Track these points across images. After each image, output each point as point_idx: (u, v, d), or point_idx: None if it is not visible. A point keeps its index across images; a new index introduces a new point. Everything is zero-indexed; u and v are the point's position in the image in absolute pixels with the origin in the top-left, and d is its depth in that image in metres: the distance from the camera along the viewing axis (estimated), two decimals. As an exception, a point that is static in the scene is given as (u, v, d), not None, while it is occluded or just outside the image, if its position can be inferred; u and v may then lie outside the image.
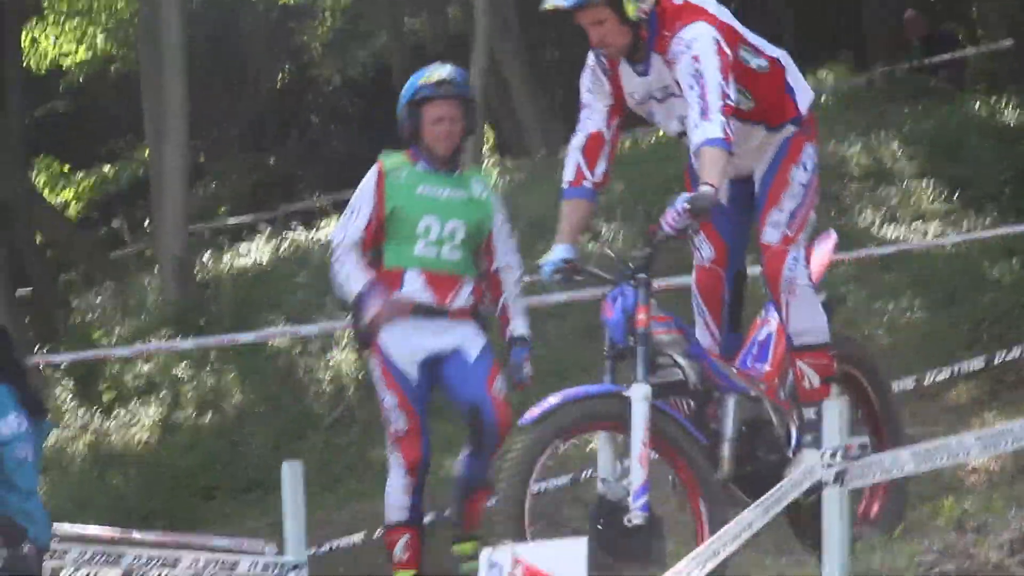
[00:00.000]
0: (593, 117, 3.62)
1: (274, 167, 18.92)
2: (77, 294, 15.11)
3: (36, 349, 11.10)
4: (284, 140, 19.07)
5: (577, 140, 3.63)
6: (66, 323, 13.56)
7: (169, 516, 8.17)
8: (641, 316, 3.23)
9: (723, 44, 3.30)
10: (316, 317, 9.84)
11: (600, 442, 3.40)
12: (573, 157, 3.60)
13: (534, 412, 3.18)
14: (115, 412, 10.43)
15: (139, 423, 10.19)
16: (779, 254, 3.47)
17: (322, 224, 13.28)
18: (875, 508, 3.82)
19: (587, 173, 3.58)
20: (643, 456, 3.13)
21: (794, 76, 3.64)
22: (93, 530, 4.77)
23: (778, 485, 3.09)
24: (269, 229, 14.16)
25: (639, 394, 3.14)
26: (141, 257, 16.31)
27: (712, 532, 3.10)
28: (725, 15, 3.49)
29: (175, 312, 11.35)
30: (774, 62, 3.58)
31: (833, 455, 2.99)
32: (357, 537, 5.95)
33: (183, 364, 10.55)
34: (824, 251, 3.87)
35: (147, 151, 14.26)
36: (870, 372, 3.97)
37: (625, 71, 3.53)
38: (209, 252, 13.58)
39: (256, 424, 9.52)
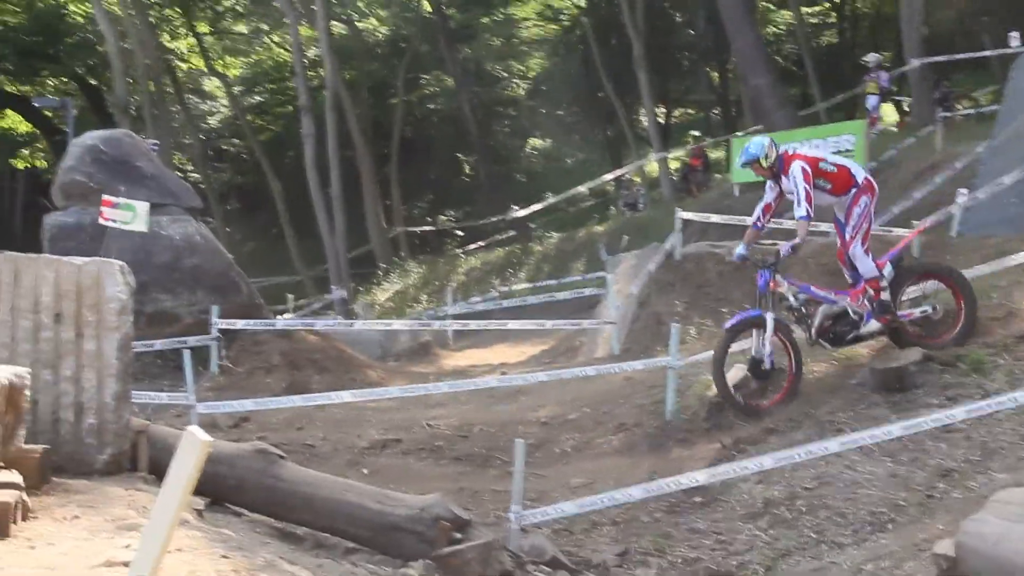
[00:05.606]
0: (766, 197, 8.16)
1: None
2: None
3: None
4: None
5: (760, 205, 8.16)
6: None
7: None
8: (771, 284, 7.83)
9: (808, 169, 7.76)
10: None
11: (753, 335, 7.78)
12: (756, 214, 8.20)
13: (729, 322, 7.81)
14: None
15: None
16: (849, 243, 7.95)
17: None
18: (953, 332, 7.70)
19: (761, 220, 8.15)
20: (772, 340, 7.60)
21: (855, 168, 8.08)
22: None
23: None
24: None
25: (769, 316, 7.64)
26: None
27: (796, 371, 7.55)
28: (811, 151, 8.28)
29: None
30: (841, 167, 7.97)
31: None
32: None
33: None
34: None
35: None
36: (958, 278, 7.99)
37: (775, 183, 8.08)
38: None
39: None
